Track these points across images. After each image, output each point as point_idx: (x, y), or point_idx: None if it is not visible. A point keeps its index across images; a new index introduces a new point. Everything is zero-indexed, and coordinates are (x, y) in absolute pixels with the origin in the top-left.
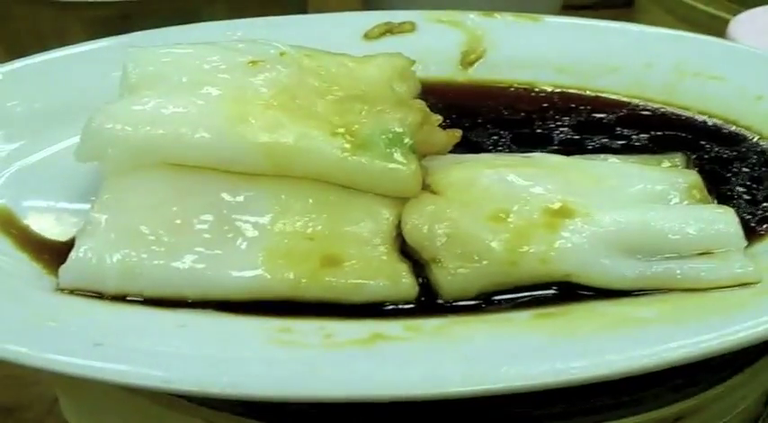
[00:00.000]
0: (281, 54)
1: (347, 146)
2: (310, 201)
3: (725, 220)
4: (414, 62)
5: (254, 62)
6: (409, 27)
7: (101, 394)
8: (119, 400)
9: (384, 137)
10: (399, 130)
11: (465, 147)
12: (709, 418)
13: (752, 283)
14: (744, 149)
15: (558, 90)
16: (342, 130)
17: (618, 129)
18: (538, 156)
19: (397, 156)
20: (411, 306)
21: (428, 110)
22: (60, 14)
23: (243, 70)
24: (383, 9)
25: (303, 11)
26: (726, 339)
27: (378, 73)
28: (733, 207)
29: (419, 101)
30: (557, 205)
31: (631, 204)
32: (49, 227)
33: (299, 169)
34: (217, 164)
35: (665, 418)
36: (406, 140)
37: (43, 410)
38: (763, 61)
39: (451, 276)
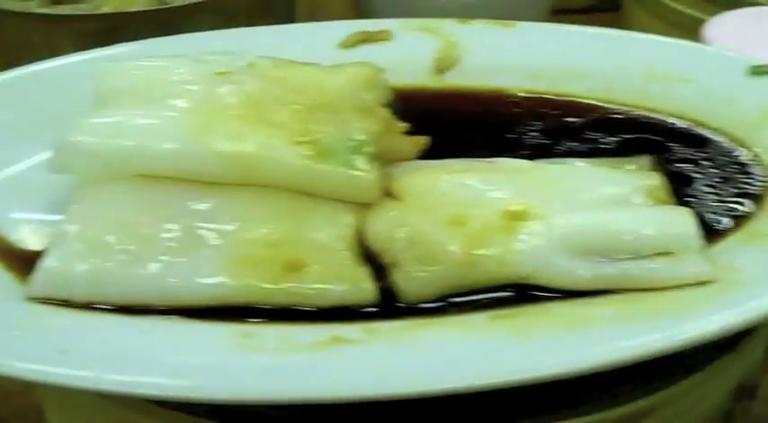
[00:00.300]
0: (249, 65)
1: (309, 154)
2: (272, 208)
3: (682, 221)
4: (382, 70)
5: (221, 73)
6: (385, 35)
7: (86, 405)
8: (102, 411)
9: (346, 144)
10: (362, 137)
11: (436, 153)
12: (674, 414)
13: (708, 282)
14: (711, 151)
15: (530, 95)
16: (304, 139)
17: (587, 132)
18: (499, 160)
19: (359, 163)
20: (372, 310)
21: (393, 118)
22: (50, 27)
23: (210, 81)
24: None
25: (290, 21)
26: (678, 338)
27: (344, 82)
28: (698, 208)
29: (384, 109)
30: (514, 208)
31: (590, 206)
32: (23, 237)
33: (262, 178)
34: (182, 174)
35: (628, 416)
36: (368, 148)
37: (29, 421)
38: (732, 63)
39: (411, 279)
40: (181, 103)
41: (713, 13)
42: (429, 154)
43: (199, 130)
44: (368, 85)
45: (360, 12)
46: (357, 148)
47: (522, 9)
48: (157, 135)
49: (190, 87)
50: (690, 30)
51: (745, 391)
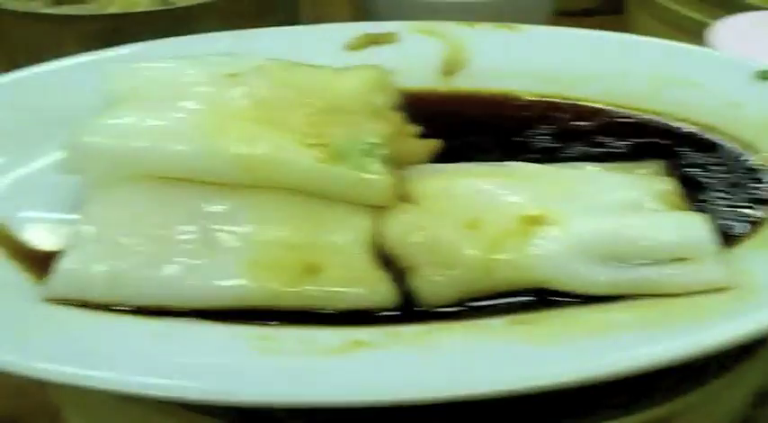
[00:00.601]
0: (259, 67)
1: (322, 156)
2: (289, 211)
3: (697, 226)
4: (390, 73)
5: (231, 75)
6: (392, 38)
7: (102, 404)
8: (121, 411)
9: (359, 148)
10: (374, 140)
11: (446, 156)
12: (692, 420)
13: (725, 289)
14: (721, 156)
15: (538, 99)
16: (317, 142)
17: (596, 136)
18: (513, 165)
19: (372, 166)
20: (391, 313)
21: (404, 121)
22: (54, 28)
23: (221, 83)
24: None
25: (295, 23)
26: (696, 344)
27: (355, 85)
28: (710, 213)
29: (395, 112)
30: (531, 213)
31: (605, 211)
32: (37, 238)
33: (276, 180)
34: (196, 175)
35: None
36: (381, 151)
37: (46, 421)
38: (739, 68)
39: (429, 283)
40: (192, 104)
41: (716, 16)
42: (439, 157)
43: (211, 132)
44: (378, 88)
45: (363, 13)
46: (370, 152)
47: (524, 11)
48: (170, 136)
49: (201, 89)
50: (693, 33)
51: (763, 398)
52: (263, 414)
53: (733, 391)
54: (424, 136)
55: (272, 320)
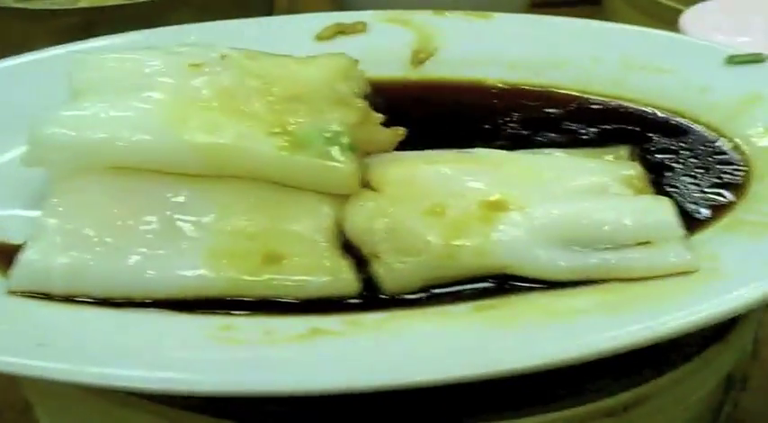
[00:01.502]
0: (222, 56)
1: (285, 145)
2: (251, 200)
3: (661, 210)
4: (357, 61)
5: (195, 65)
6: (361, 27)
7: (71, 398)
8: (87, 404)
9: (322, 135)
10: (338, 128)
11: (413, 144)
12: (663, 405)
13: (690, 272)
14: (690, 140)
15: (508, 86)
16: (280, 130)
17: (566, 123)
18: (478, 151)
19: (335, 154)
20: (354, 301)
21: (369, 108)
22: (26, 24)
23: (184, 73)
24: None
25: (269, 15)
26: (662, 328)
27: (319, 73)
28: (678, 197)
29: (360, 100)
30: (493, 199)
31: (569, 197)
32: (2, 231)
33: (238, 169)
34: (158, 166)
35: (613, 408)
36: (345, 139)
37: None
38: (708, 52)
39: (391, 270)
40: (155, 94)
41: (692, 3)
42: (406, 145)
43: (173, 122)
44: (343, 76)
45: (338, 5)
46: (333, 139)
47: (500, 3)
48: (131, 127)
49: (164, 79)
50: (670, 22)
51: (734, 382)
52: (227, 404)
53: (704, 375)
54: (392, 124)
55: (234, 310)
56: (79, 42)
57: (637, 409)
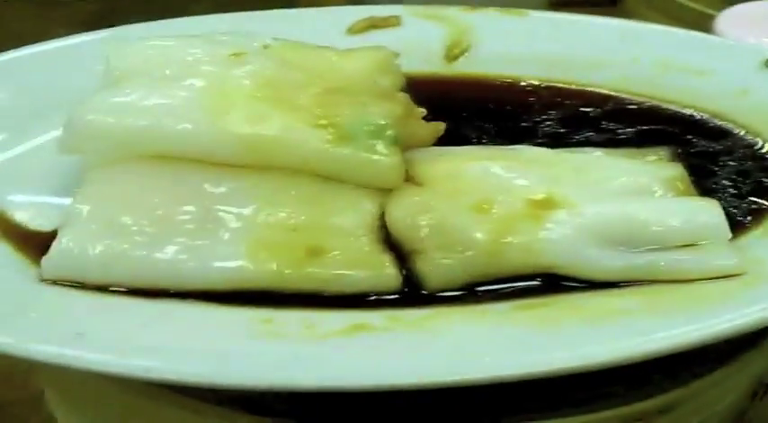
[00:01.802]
0: (264, 47)
1: (330, 137)
2: (293, 192)
3: (709, 212)
4: (397, 55)
5: (236, 54)
6: (394, 21)
7: (85, 387)
8: (102, 393)
9: (366, 129)
10: (382, 122)
11: (450, 140)
12: (694, 409)
13: (736, 275)
14: (729, 143)
15: (544, 84)
16: (324, 122)
17: (604, 123)
18: (520, 148)
19: (380, 147)
20: (395, 297)
21: (411, 102)
22: (43, 12)
23: (225, 63)
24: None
25: (293, 7)
26: (707, 331)
27: (360, 66)
28: (719, 200)
29: (402, 93)
30: (540, 197)
31: (615, 196)
32: (33, 218)
33: (281, 161)
34: (199, 155)
35: (650, 411)
36: (389, 132)
37: (29, 409)
38: (748, 55)
39: (434, 267)
40: (197, 82)
41: (716, 6)
42: (443, 141)
43: (217, 111)
44: (383, 69)
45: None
46: (378, 133)
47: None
48: (173, 115)
49: (205, 67)
50: (689, 23)
51: (761, 389)
52: (262, 400)
53: (734, 382)
54: (428, 119)
55: (273, 303)
56: (106, 29)
57: (671, 412)
